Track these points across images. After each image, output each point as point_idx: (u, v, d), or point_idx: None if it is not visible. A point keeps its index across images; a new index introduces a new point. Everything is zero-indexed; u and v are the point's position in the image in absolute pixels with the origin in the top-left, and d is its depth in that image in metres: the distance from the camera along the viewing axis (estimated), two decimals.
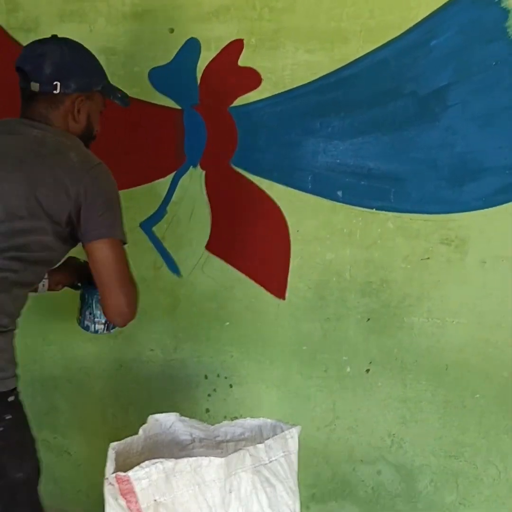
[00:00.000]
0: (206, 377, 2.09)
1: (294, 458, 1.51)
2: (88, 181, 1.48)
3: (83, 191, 1.47)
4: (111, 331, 1.78)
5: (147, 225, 2.07)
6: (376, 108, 1.79)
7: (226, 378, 2.07)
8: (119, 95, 1.67)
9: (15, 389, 1.48)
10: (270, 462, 1.45)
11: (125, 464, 1.49)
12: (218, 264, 2.02)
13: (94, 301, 1.72)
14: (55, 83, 1.53)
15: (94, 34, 1.94)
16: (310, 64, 1.81)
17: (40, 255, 1.50)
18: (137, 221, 2.07)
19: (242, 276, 2.00)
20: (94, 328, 1.75)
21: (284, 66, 1.84)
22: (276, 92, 1.86)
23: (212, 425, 1.69)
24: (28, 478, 1.49)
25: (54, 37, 1.60)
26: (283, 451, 1.49)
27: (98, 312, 1.72)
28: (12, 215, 1.44)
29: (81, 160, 1.50)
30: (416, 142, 1.76)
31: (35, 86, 1.53)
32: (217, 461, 1.37)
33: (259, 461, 1.43)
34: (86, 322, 1.75)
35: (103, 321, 1.74)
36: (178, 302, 2.08)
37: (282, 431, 1.57)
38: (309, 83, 1.83)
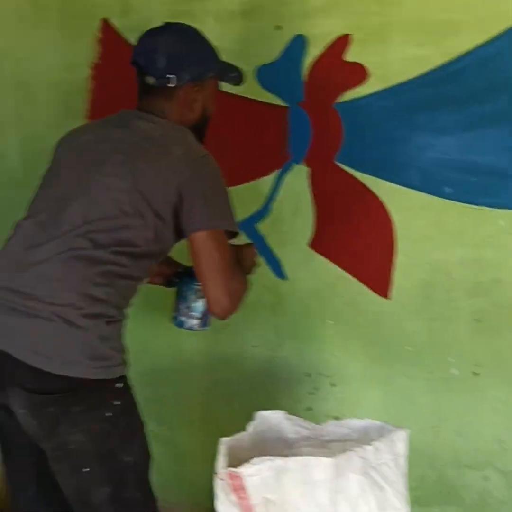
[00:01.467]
0: (308, 375, 2.09)
1: (402, 461, 1.48)
2: (190, 173, 1.49)
3: (184, 183, 1.48)
4: (206, 328, 1.77)
5: (250, 223, 2.08)
6: (487, 103, 1.74)
7: (328, 376, 2.06)
8: (232, 75, 1.66)
9: (123, 376, 1.52)
10: (379, 464, 1.44)
11: (234, 459, 1.51)
12: (321, 262, 2.01)
13: (191, 294, 1.73)
14: (169, 76, 1.55)
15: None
16: (419, 58, 1.78)
17: (146, 249, 1.53)
18: (240, 219, 2.08)
19: (346, 274, 1.98)
20: (189, 323, 1.75)
21: (392, 60, 1.81)
22: (384, 87, 1.83)
23: (318, 424, 1.69)
24: (136, 461, 1.53)
25: (167, 25, 1.61)
26: (392, 454, 1.46)
27: (194, 305, 1.72)
28: (120, 210, 1.48)
29: (184, 152, 1.51)
30: None
31: (150, 80, 1.56)
32: (326, 461, 1.37)
33: (367, 463, 1.42)
34: (181, 318, 1.75)
35: (199, 315, 1.74)
36: (281, 299, 2.09)
37: (389, 433, 1.56)
38: (418, 77, 1.79)
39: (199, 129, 1.63)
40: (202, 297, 1.71)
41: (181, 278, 1.75)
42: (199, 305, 1.74)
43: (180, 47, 1.57)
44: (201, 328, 1.77)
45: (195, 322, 1.75)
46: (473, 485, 1.90)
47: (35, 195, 1.62)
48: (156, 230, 1.51)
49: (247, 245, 1.77)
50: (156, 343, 2.32)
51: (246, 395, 2.20)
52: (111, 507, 1.49)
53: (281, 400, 2.14)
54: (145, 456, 1.57)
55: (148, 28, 2.00)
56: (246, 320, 2.14)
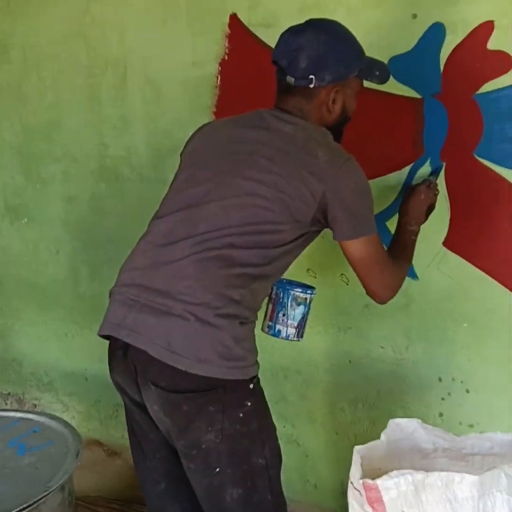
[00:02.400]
0: (440, 379, 2.00)
1: None
2: (334, 181, 1.48)
3: (329, 191, 1.47)
4: (301, 338, 1.74)
5: (380, 220, 2.00)
6: None
7: (462, 382, 1.96)
8: (377, 73, 1.62)
9: (255, 377, 1.51)
10: None
11: (367, 469, 1.46)
12: (456, 261, 1.90)
13: (290, 300, 1.69)
14: (310, 77, 1.53)
15: None
16: None
17: (282, 251, 1.52)
18: None
19: (482, 274, 1.87)
20: (286, 332, 1.70)
21: None
22: None
23: (456, 435, 1.61)
24: (268, 463, 1.52)
25: (310, 23, 1.57)
26: None
27: (292, 313, 1.69)
28: (260, 216, 1.48)
29: (328, 159, 1.49)
30: None
31: (290, 80, 1.55)
32: (470, 478, 1.29)
33: None
34: (278, 326, 1.71)
35: (296, 324, 1.70)
36: (411, 300, 1.99)
37: None
38: None
39: (337, 130, 1.61)
40: (300, 304, 1.69)
41: (278, 284, 1.70)
42: (297, 313, 1.70)
43: (322, 47, 1.53)
44: (297, 338, 1.73)
45: (292, 331, 1.71)
46: None
47: (169, 193, 1.63)
48: (294, 234, 1.51)
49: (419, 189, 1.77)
50: (277, 340, 2.28)
51: (372, 398, 2.14)
52: (242, 509, 1.48)
53: (410, 404, 2.06)
54: (276, 458, 1.56)
55: (275, 21, 2.00)
56: (372, 321, 2.08)
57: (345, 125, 1.64)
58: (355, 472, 1.38)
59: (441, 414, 2.01)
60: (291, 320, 1.70)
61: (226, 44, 2.10)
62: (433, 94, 1.85)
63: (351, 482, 1.38)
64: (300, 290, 1.71)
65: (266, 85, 2.04)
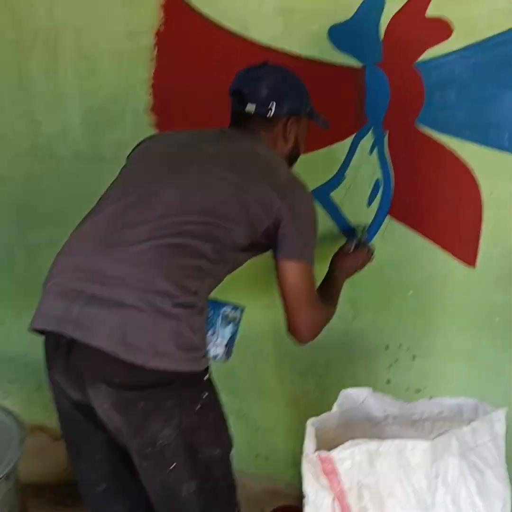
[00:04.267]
0: (387, 347, 2.02)
1: (502, 442, 1.42)
2: (293, 200, 1.52)
3: (285, 208, 1.50)
4: (229, 359, 1.71)
5: (324, 191, 2.00)
6: None
7: (408, 349, 1.99)
8: (321, 119, 1.73)
9: (208, 368, 1.49)
10: (477, 446, 1.38)
11: (320, 440, 1.47)
12: (400, 230, 1.92)
13: (219, 320, 1.67)
14: (270, 105, 1.60)
15: None
16: (509, 10, 1.63)
17: (233, 254, 1.51)
18: (313, 187, 2.00)
19: (427, 242, 1.89)
20: (215, 351, 1.67)
21: (480, 13, 1.67)
22: (470, 43, 1.70)
23: (398, 399, 1.63)
24: (224, 453, 1.51)
25: (267, 64, 1.66)
26: (490, 435, 1.40)
27: (221, 331, 1.66)
28: (219, 211, 1.46)
29: (288, 179, 1.56)
30: None
31: (251, 107, 1.60)
32: (422, 444, 1.31)
33: (465, 445, 1.36)
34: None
35: (225, 343, 1.68)
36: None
37: (484, 412, 1.49)
38: (508, 31, 1.65)
39: (289, 163, 1.66)
40: (229, 323, 1.68)
41: (207, 302, 1.61)
42: (227, 331, 1.68)
43: (281, 80, 1.64)
44: (225, 358, 1.70)
45: (220, 350, 1.68)
46: None
47: (119, 178, 1.59)
48: (246, 240, 1.51)
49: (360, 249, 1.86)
50: None
51: (321, 368, 2.16)
52: (197, 499, 1.46)
53: (358, 372, 2.09)
54: (230, 446, 1.54)
55: None
56: None
57: (294, 163, 1.71)
58: (309, 444, 1.38)
59: (388, 381, 2.04)
60: (220, 338, 1.68)
61: (162, 14, 2.02)
62: (374, 63, 1.83)
63: (306, 455, 1.38)
64: (230, 308, 1.69)
65: (204, 55, 2.01)
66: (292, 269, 1.54)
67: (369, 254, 1.88)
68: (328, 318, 1.69)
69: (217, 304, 1.66)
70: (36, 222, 2.45)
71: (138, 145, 1.69)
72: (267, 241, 1.54)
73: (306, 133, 1.72)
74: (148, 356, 1.35)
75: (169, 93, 2.08)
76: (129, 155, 1.69)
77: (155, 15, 2.03)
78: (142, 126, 2.11)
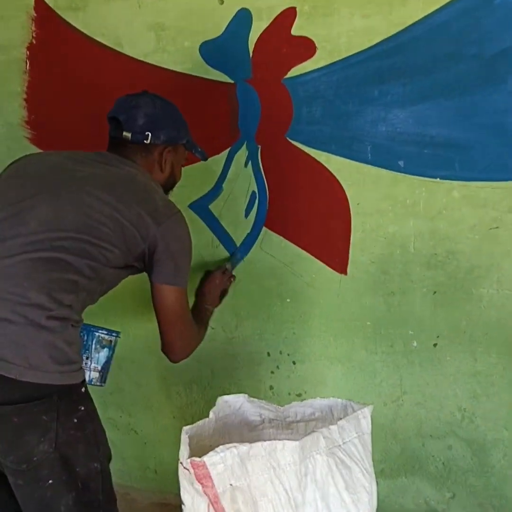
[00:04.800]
0: (268, 354, 2.07)
1: (368, 438, 1.49)
2: (168, 226, 1.54)
3: (160, 234, 1.53)
4: (104, 384, 1.70)
5: (203, 204, 2.04)
6: (438, 73, 1.72)
7: (288, 355, 2.05)
8: (199, 150, 1.77)
9: (84, 380, 1.48)
10: (344, 443, 1.44)
11: (197, 447, 1.49)
12: (276, 240, 1.98)
13: (94, 343, 1.66)
14: (146, 133, 1.62)
15: (143, 10, 1.89)
16: (367, 30, 1.74)
17: (110, 273, 1.52)
18: (192, 199, 2.04)
19: (302, 252, 1.96)
20: (89, 376, 1.65)
21: (340, 33, 1.77)
22: (332, 61, 1.80)
23: (280, 404, 1.68)
24: (102, 467, 1.49)
25: (146, 92, 1.68)
26: (357, 431, 1.47)
27: (97, 356, 1.65)
28: (94, 230, 1.46)
29: (164, 205, 1.57)
30: (481, 107, 1.70)
31: (127, 136, 1.62)
32: (291, 444, 1.36)
33: (333, 443, 1.42)
34: None
35: (99, 368, 1.67)
36: (238, 280, 2.05)
37: (353, 410, 1.56)
38: (367, 49, 1.76)
39: (165, 190, 1.69)
40: (104, 347, 1.68)
41: (82, 326, 1.59)
42: (102, 356, 1.68)
43: (158, 109, 1.65)
44: (100, 383, 1.69)
45: (95, 375, 1.67)
46: (437, 455, 1.92)
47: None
48: (121, 262, 1.52)
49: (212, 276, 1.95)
50: None
51: (206, 378, 2.18)
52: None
53: (243, 380, 2.13)
54: (108, 459, 1.53)
55: (84, 5, 1.95)
56: None
57: (169, 191, 1.74)
58: (183, 451, 1.41)
59: (271, 387, 2.09)
60: (95, 363, 1.66)
61: (33, 28, 2.01)
62: (245, 79, 1.90)
63: (180, 462, 1.40)
64: (105, 332, 1.68)
65: (78, 70, 2.01)
66: (167, 293, 1.58)
67: (228, 276, 1.99)
68: (200, 338, 1.77)
69: (92, 329, 1.65)
70: None
71: (9, 165, 1.65)
72: (141, 265, 1.57)
73: (184, 162, 1.76)
74: (21, 369, 1.34)
75: (44, 107, 2.07)
76: (0, 174, 1.65)
77: (26, 29, 2.01)
78: (17, 140, 2.08)
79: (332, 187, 1.87)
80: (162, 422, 2.27)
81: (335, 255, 1.92)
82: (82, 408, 1.44)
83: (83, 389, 1.47)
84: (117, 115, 1.63)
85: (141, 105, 1.63)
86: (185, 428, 1.47)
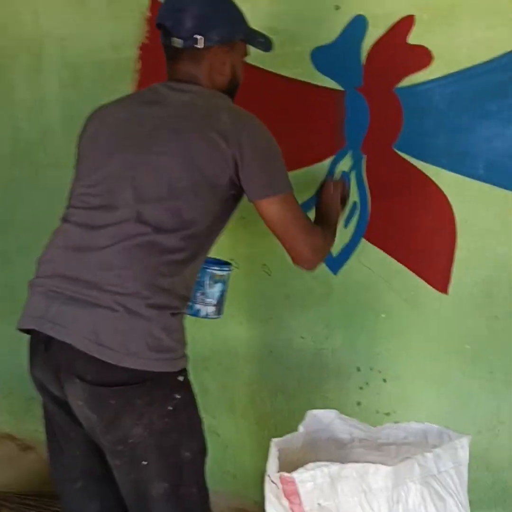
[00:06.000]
0: (358, 369, 2.02)
1: (464, 470, 1.42)
2: (242, 140, 1.44)
3: (238, 153, 1.44)
4: (221, 315, 1.71)
5: (304, 211, 2.00)
6: None
7: (380, 371, 1.99)
8: (262, 40, 1.62)
9: (184, 369, 1.49)
10: (440, 473, 1.37)
11: (285, 461, 1.46)
12: (375, 253, 1.93)
13: (207, 279, 1.66)
14: (197, 36, 1.49)
15: (256, 13, 1.86)
16: (490, 41, 1.66)
17: (208, 227, 1.48)
18: None
19: (401, 267, 1.90)
20: (206, 311, 1.68)
21: (460, 43, 1.70)
22: (449, 72, 1.72)
23: (368, 422, 1.63)
24: (195, 457, 1.49)
25: None
26: (453, 462, 1.40)
27: (210, 291, 1.66)
28: (175, 190, 1.43)
29: (233, 120, 1.46)
30: None
31: (177, 42, 1.50)
32: (384, 469, 1.31)
33: (428, 472, 1.36)
34: (197, 306, 1.68)
35: (215, 302, 1.69)
36: (332, 290, 2.01)
37: (449, 438, 1.49)
38: (487, 62, 1.68)
39: (229, 95, 1.58)
40: (217, 282, 1.67)
41: None
42: (215, 290, 1.68)
43: (208, 7, 1.51)
44: (216, 316, 1.71)
45: (210, 309, 1.69)
46: None
47: (75, 183, 1.57)
48: (215, 204, 1.47)
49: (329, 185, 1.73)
50: (198, 330, 2.25)
51: (292, 388, 2.15)
52: (167, 503, 1.46)
53: (329, 393, 2.08)
54: (203, 451, 1.54)
55: None
56: (293, 311, 2.09)
57: (236, 92, 1.61)
58: (272, 465, 1.38)
59: (359, 403, 2.04)
60: (210, 298, 1.68)
61: (146, 28, 2.03)
62: (355, 87, 1.85)
63: (268, 475, 1.37)
64: (217, 267, 1.68)
65: None
66: (270, 207, 1.48)
67: (341, 181, 1.78)
68: (328, 242, 1.64)
69: (205, 264, 1.63)
70: (10, 228, 2.43)
71: (84, 127, 1.62)
72: (238, 190, 1.49)
73: (245, 57, 1.62)
74: (119, 355, 1.37)
75: None
76: (78, 142, 1.62)
77: (140, 28, 2.04)
78: None
79: (439, 203, 1.80)
80: (244, 427, 2.26)
81: (437, 273, 1.85)
82: (178, 397, 1.45)
83: (181, 378, 1.47)
84: (163, 21, 1.52)
85: (187, 6, 1.49)
86: (275, 440, 1.44)
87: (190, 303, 1.65)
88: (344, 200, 1.79)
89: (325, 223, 1.68)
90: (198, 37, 1.48)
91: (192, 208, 1.44)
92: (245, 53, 1.62)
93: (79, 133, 1.62)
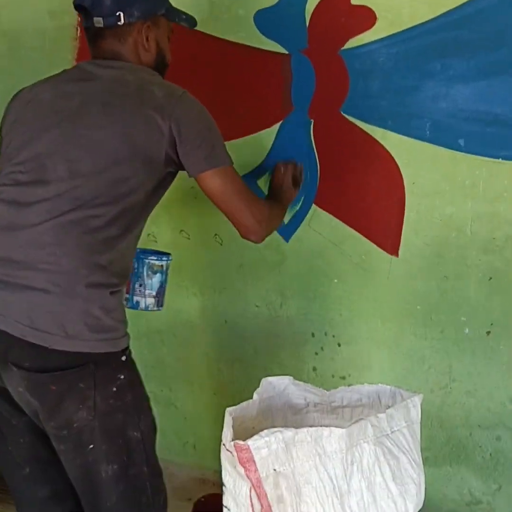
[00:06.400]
0: (313, 335, 2.03)
1: (417, 428, 1.44)
2: (178, 115, 1.42)
3: (175, 126, 1.42)
4: (161, 308, 1.69)
5: (252, 179, 1.98)
6: (504, 48, 1.63)
7: (334, 336, 2.00)
8: (184, 17, 1.61)
9: (127, 348, 1.46)
10: (393, 432, 1.39)
11: (241, 428, 1.46)
12: (326, 219, 1.92)
13: (145, 270, 1.64)
14: (118, 13, 1.47)
15: None
16: (431, 1, 1.65)
17: (143, 202, 1.45)
18: (241, 174, 1.97)
19: (352, 231, 1.90)
20: (145, 303, 1.66)
21: (402, 3, 1.68)
22: (393, 32, 1.71)
23: (323, 386, 1.64)
24: (143, 436, 1.47)
25: None
26: (406, 421, 1.42)
27: (149, 282, 1.64)
28: (111, 163, 1.39)
29: (165, 93, 1.44)
30: None
31: (98, 21, 1.48)
32: (338, 431, 1.32)
33: (381, 432, 1.37)
34: (135, 298, 1.66)
35: (154, 293, 1.66)
36: (285, 258, 2.00)
37: (402, 398, 1.51)
38: (430, 21, 1.67)
39: (159, 73, 1.56)
40: (156, 272, 1.65)
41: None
42: (155, 281, 1.65)
43: None
44: (156, 308, 1.68)
45: (150, 301, 1.66)
46: (484, 446, 1.86)
47: (5, 160, 1.48)
48: (151, 178, 1.44)
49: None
50: None
51: (249, 356, 2.15)
52: (117, 484, 1.44)
53: (285, 360, 2.09)
54: (152, 429, 1.52)
55: None
56: (247, 280, 2.07)
57: (165, 71, 1.60)
58: (226, 433, 1.37)
59: (315, 368, 2.05)
60: (149, 290, 1.65)
61: None
62: (300, 50, 1.82)
63: (223, 444, 1.37)
64: (155, 257, 1.66)
65: None
66: (211, 180, 1.47)
67: (292, 163, 1.83)
68: (276, 214, 1.66)
69: (141, 256, 1.62)
70: None
71: (7, 110, 1.57)
72: (175, 168, 1.48)
73: (169, 36, 1.61)
74: (57, 338, 1.34)
75: None
76: (3, 120, 1.57)
77: None
78: None
79: (387, 165, 1.80)
80: (202, 398, 2.25)
81: (387, 236, 1.85)
82: (122, 377, 1.43)
83: (123, 358, 1.44)
84: (81, 2, 1.49)
85: None
86: (229, 409, 1.44)
87: (128, 296, 1.63)
88: (296, 182, 1.82)
89: (274, 200, 1.71)
90: (119, 13, 1.47)
91: (128, 180, 1.41)
92: (170, 30, 1.60)
93: (1, 118, 1.57)
